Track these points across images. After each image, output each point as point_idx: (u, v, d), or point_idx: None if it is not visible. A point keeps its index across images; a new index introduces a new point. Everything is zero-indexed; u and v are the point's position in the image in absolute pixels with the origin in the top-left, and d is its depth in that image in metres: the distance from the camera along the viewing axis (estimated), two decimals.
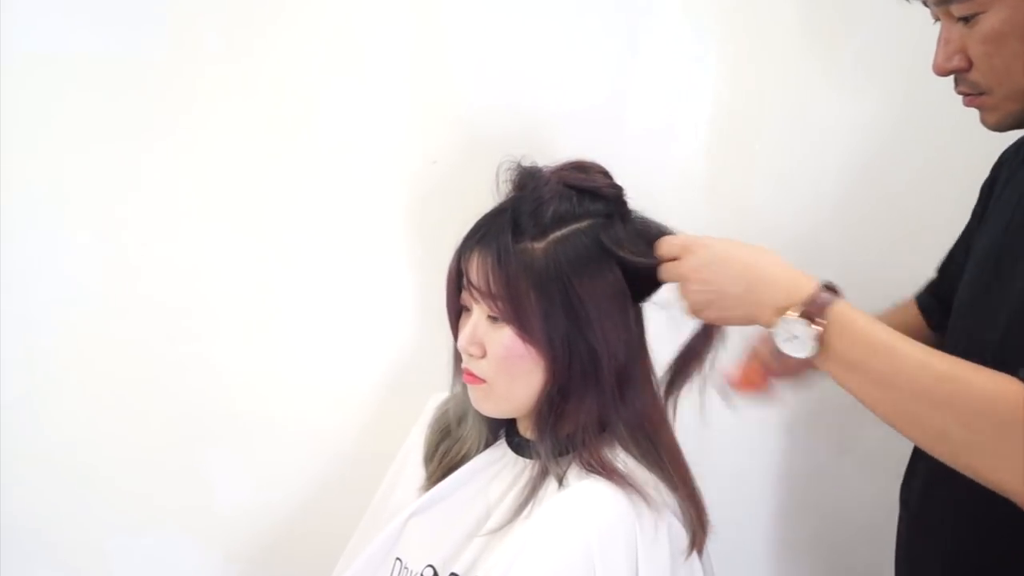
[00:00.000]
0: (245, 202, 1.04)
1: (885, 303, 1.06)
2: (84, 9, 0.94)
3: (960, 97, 0.79)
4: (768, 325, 0.71)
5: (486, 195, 0.85)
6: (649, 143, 1.13)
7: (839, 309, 0.69)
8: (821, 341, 0.68)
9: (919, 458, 0.94)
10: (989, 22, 0.72)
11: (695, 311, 0.77)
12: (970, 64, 0.75)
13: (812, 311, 0.69)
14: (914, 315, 1.05)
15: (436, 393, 0.96)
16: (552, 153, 0.87)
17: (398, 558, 0.83)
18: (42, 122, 0.97)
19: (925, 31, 1.08)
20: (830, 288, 0.72)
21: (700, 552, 0.79)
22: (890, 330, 0.68)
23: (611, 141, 1.11)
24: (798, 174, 1.17)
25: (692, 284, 0.76)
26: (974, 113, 0.79)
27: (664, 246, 0.79)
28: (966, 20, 0.74)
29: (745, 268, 0.73)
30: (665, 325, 0.83)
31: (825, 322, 0.68)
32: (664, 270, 0.78)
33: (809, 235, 1.20)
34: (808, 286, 0.71)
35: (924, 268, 1.09)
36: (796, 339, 0.69)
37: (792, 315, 0.69)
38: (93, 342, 1.02)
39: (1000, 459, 0.62)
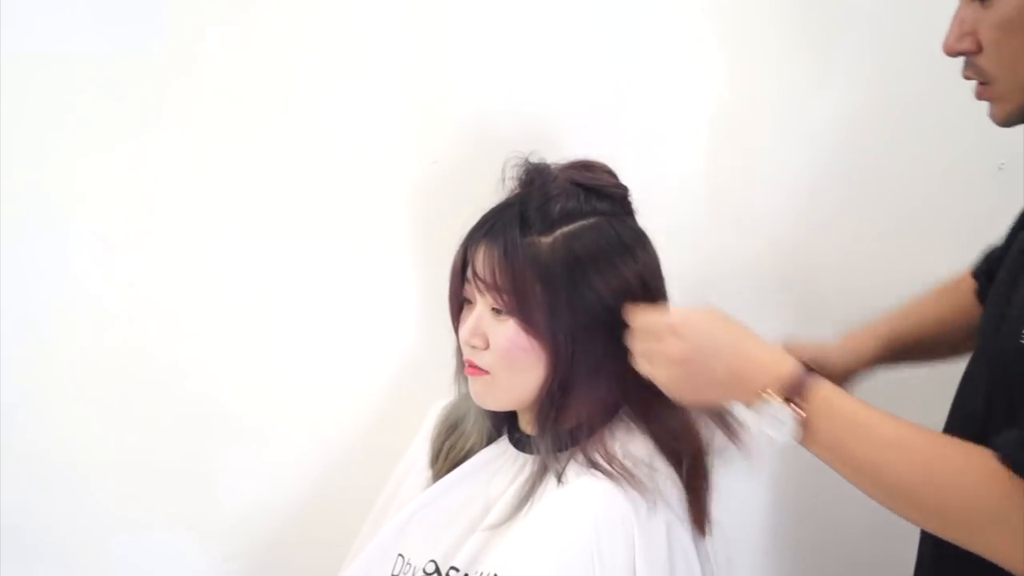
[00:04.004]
0: (247, 202, 1.04)
1: (885, 304, 1.06)
2: (85, 11, 0.95)
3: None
4: (750, 406, 0.70)
5: (489, 195, 0.85)
6: (648, 144, 1.13)
7: (821, 392, 0.68)
8: (805, 425, 0.67)
9: None
10: (1005, 8, 0.69)
11: (668, 389, 0.74)
12: (979, 48, 0.72)
13: (793, 393, 0.68)
14: (967, 291, 0.97)
15: (438, 400, 0.96)
16: (552, 153, 0.87)
17: (400, 554, 0.84)
18: (42, 123, 0.97)
19: (924, 30, 1.09)
20: (811, 368, 0.70)
21: (700, 550, 0.79)
22: (873, 410, 0.67)
23: (611, 141, 1.10)
24: (798, 174, 1.17)
25: (674, 368, 0.72)
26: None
27: (643, 320, 0.75)
28: (983, 1, 0.70)
29: (729, 351, 0.71)
30: None
31: (807, 405, 0.67)
32: (640, 348, 0.75)
33: (809, 236, 1.20)
34: (788, 366, 0.69)
35: (925, 269, 1.09)
36: (779, 423, 0.67)
37: (774, 399, 0.68)
38: (94, 341, 1.03)
39: (990, 545, 0.63)
